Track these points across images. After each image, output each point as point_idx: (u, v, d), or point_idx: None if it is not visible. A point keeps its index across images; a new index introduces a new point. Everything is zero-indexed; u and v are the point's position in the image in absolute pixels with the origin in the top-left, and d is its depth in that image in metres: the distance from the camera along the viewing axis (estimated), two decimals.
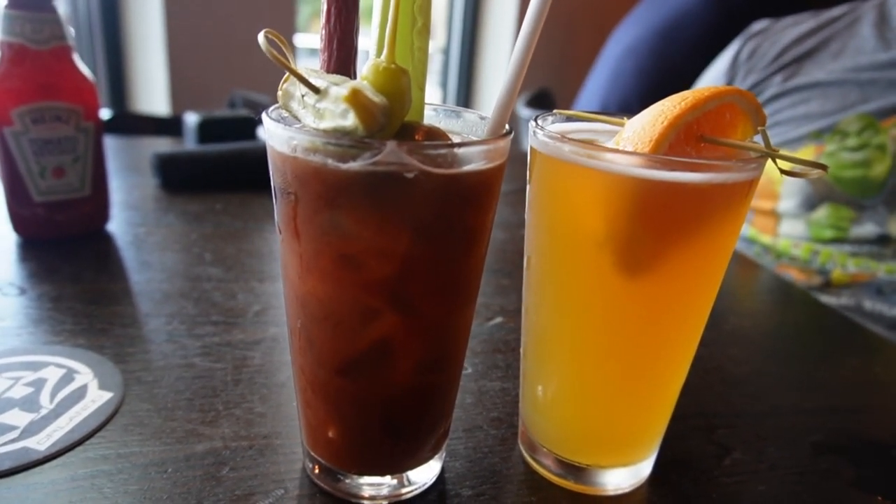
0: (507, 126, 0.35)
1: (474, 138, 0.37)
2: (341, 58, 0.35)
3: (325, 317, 0.35)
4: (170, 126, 1.52)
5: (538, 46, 0.34)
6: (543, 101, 2.46)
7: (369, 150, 0.30)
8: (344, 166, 0.30)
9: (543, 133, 0.37)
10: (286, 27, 2.39)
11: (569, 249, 0.38)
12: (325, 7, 0.35)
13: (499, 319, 0.66)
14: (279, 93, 0.34)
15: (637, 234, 0.35)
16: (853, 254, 0.94)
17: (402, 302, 0.34)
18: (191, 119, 1.07)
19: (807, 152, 0.97)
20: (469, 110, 0.40)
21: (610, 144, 0.38)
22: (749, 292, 0.83)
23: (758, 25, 1.13)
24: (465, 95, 3.19)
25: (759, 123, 0.38)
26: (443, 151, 0.31)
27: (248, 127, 1.11)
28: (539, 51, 0.35)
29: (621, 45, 1.84)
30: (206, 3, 2.22)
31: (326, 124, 0.30)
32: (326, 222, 0.32)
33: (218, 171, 0.97)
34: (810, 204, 0.97)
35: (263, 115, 0.34)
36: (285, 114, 0.35)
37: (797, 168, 0.34)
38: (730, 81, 1.10)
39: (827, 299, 0.95)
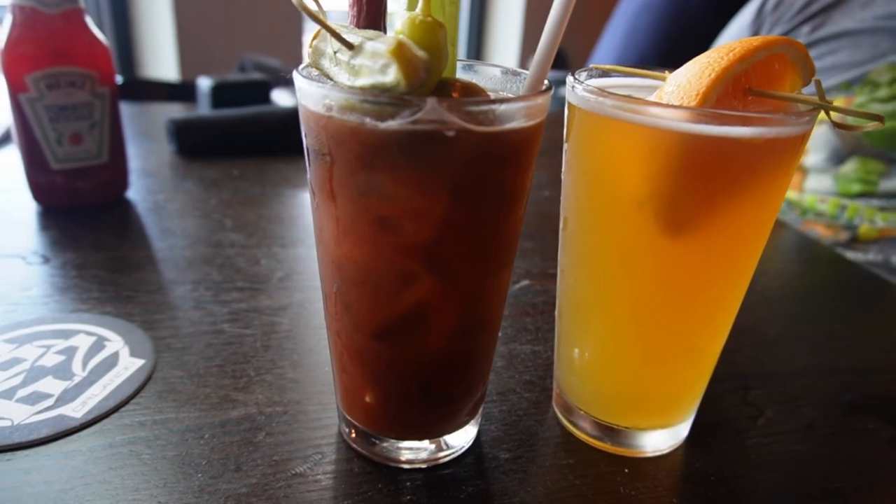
0: (546, 82, 0.34)
1: (512, 95, 0.36)
2: (372, 13, 0.34)
3: (363, 281, 0.34)
4: (181, 91, 1.50)
5: (548, 4, 0.33)
6: (557, 60, 2.41)
7: (409, 107, 0.28)
8: (382, 125, 0.29)
9: (583, 88, 0.36)
10: None
11: (609, 209, 0.37)
12: None
13: (525, 282, 0.65)
14: (308, 50, 0.32)
15: (681, 191, 0.34)
16: (882, 208, 0.92)
17: (439, 265, 0.33)
18: (204, 84, 1.05)
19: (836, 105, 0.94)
20: (499, 65, 0.38)
21: (649, 98, 0.37)
22: (776, 252, 0.82)
23: None
24: (476, 48, 3.13)
25: (808, 74, 0.36)
26: (484, 108, 0.30)
27: (261, 90, 1.09)
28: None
29: (637, 1, 1.78)
30: None
31: (363, 81, 0.29)
32: (363, 184, 0.31)
33: (234, 136, 0.96)
34: (838, 158, 0.95)
35: (294, 74, 0.33)
36: (315, 72, 0.33)
37: (851, 121, 0.32)
38: (755, 33, 1.07)
39: (854, 255, 0.93)
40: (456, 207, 0.32)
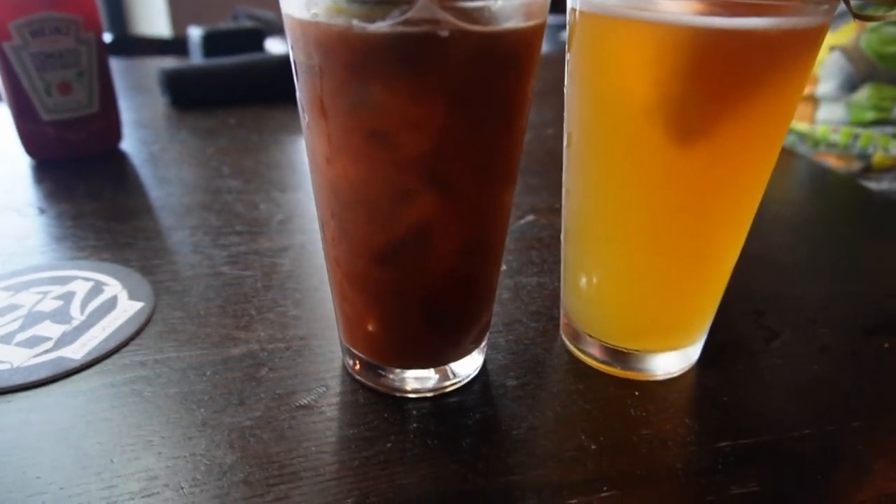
0: None
1: None
2: None
3: (358, 201, 0.33)
4: (173, 46, 1.47)
5: None
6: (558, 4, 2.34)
7: (398, 6, 0.27)
8: (371, 27, 0.27)
9: None
10: None
11: (615, 120, 0.35)
12: None
13: (530, 217, 0.63)
14: None
15: (692, 94, 0.32)
16: None
17: (439, 180, 0.32)
18: (195, 33, 1.02)
19: (848, 29, 0.90)
20: None
21: None
22: (788, 180, 0.79)
23: None
24: None
25: None
26: (479, 5, 0.28)
27: (255, 39, 1.06)
28: None
29: None
30: None
31: None
32: (355, 94, 0.30)
33: (228, 85, 0.94)
34: (851, 85, 0.92)
35: None
36: None
37: (877, 11, 0.30)
38: None
39: (868, 184, 0.91)
40: (454, 116, 0.30)
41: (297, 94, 0.33)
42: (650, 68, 0.32)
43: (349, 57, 0.29)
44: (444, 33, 0.27)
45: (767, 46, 0.30)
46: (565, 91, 0.38)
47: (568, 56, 0.37)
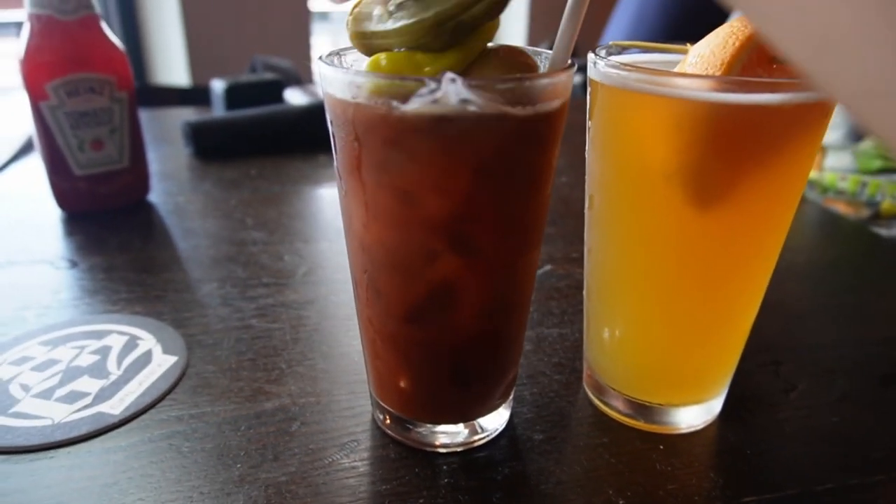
0: (569, 59, 0.34)
1: (541, 72, 0.36)
2: None
3: (392, 264, 0.34)
4: (193, 95, 1.51)
5: None
6: None
7: (428, 86, 0.29)
8: (405, 108, 0.29)
9: (606, 64, 0.35)
10: None
11: (636, 184, 0.37)
12: None
13: (548, 267, 0.65)
14: (349, 19, 0.33)
15: (710, 163, 0.34)
16: None
17: (466, 244, 0.33)
18: (218, 85, 1.06)
19: None
20: (522, 47, 0.38)
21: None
22: (799, 226, 0.81)
23: None
24: None
25: None
26: (508, 86, 0.30)
27: (274, 90, 1.10)
28: None
29: None
30: None
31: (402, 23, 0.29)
32: (391, 166, 0.31)
33: (249, 136, 0.97)
34: (856, 134, 0.94)
35: (318, 61, 0.33)
36: (343, 56, 0.34)
37: None
38: None
39: (877, 231, 0.92)
40: (480, 186, 0.32)
41: (335, 162, 0.35)
42: (669, 139, 0.34)
43: (386, 133, 0.31)
44: (474, 112, 0.29)
45: (780, 120, 0.32)
46: (586, 156, 0.40)
47: (589, 124, 0.39)
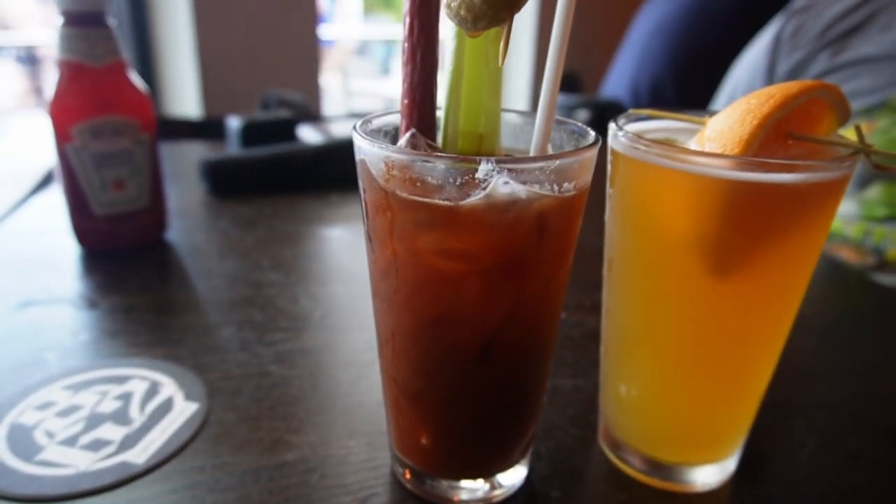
0: (592, 135, 0.35)
1: (566, 150, 0.37)
2: (426, 69, 0.35)
3: (421, 331, 0.35)
4: (206, 129, 1.54)
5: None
6: (570, 84, 2.43)
7: (469, 172, 0.30)
8: (437, 201, 0.31)
9: (625, 136, 0.37)
10: (309, 22, 2.39)
11: (655, 252, 0.38)
12: (407, 21, 0.35)
13: (561, 315, 0.66)
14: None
15: (727, 235, 0.35)
16: None
17: (497, 316, 0.34)
18: (234, 123, 1.08)
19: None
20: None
21: (690, 143, 0.38)
22: None
23: (800, 2, 1.11)
24: None
25: (843, 116, 0.37)
26: (543, 168, 0.31)
27: (288, 128, 1.12)
28: None
29: (650, 23, 1.80)
30: (231, 5, 2.23)
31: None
32: (421, 241, 0.33)
33: (266, 175, 0.98)
34: (861, 182, 0.95)
35: (353, 132, 0.34)
36: (380, 124, 0.36)
37: (892, 163, 0.33)
38: (773, 60, 1.08)
39: (882, 278, 0.93)
40: (501, 260, 0.33)
41: (366, 228, 0.36)
42: (687, 211, 0.35)
43: (423, 214, 0.32)
44: (509, 196, 0.31)
45: (796, 198, 0.33)
46: (606, 221, 0.41)
47: (610, 191, 0.40)
